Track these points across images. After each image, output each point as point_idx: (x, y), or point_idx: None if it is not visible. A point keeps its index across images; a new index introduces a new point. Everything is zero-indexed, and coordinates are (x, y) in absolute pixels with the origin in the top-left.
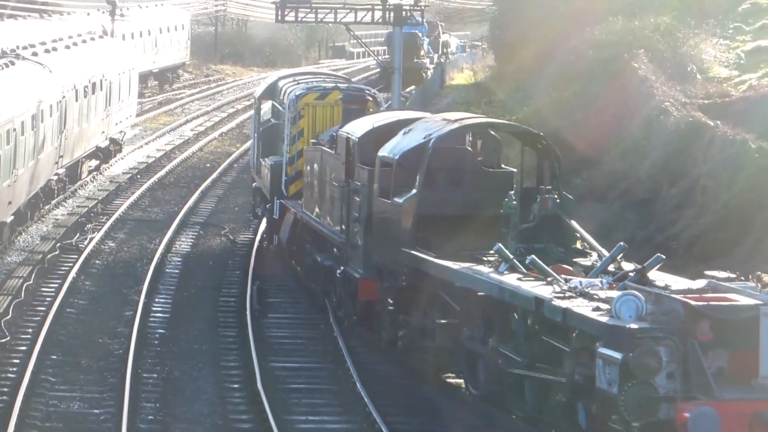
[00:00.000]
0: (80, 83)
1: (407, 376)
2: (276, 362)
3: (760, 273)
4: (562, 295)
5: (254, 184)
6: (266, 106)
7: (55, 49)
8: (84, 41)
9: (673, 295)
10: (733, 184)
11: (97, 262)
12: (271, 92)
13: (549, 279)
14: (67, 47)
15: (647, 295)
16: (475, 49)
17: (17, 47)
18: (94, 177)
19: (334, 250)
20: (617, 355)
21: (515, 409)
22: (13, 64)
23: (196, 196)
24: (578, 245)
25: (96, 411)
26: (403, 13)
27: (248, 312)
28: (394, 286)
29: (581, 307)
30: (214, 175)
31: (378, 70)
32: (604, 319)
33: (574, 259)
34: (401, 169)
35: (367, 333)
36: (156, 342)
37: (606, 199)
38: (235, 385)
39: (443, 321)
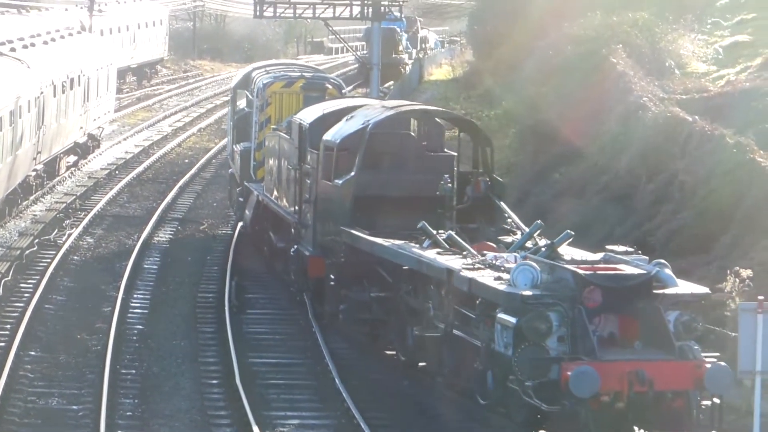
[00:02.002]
0: (58, 79)
1: (387, 372)
2: (254, 358)
3: (738, 268)
4: (471, 267)
5: (230, 170)
6: (241, 96)
7: (33, 44)
8: (62, 37)
9: (565, 266)
10: (711, 179)
11: (76, 258)
12: (245, 82)
13: (465, 253)
14: (45, 43)
15: (543, 265)
16: (454, 45)
17: None
18: (72, 173)
19: (291, 230)
20: (512, 320)
21: (435, 374)
22: None
23: (174, 192)
24: (506, 225)
25: (74, 407)
26: (382, 8)
27: (227, 308)
28: (335, 262)
29: (485, 277)
30: (192, 171)
31: (357, 65)
32: (502, 287)
33: (499, 237)
34: (343, 153)
35: (318, 308)
36: (134, 338)
37: (584, 194)
38: (214, 381)
39: (379, 294)
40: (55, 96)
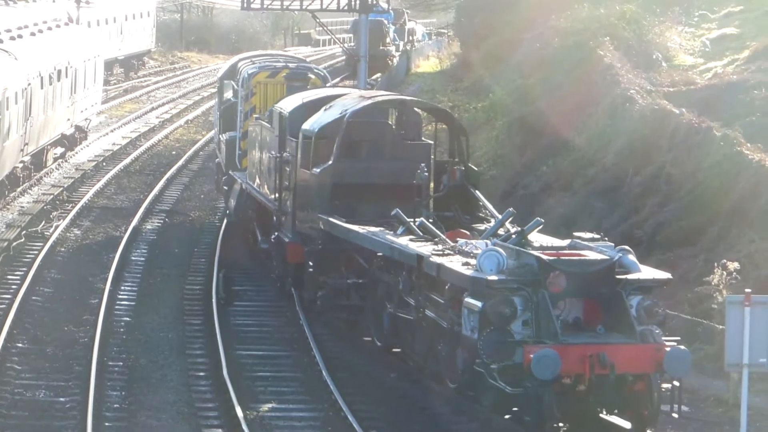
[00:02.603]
0: (46, 70)
1: (374, 364)
2: (242, 350)
3: (725, 261)
4: (440, 252)
5: (217, 160)
6: (228, 86)
7: (20, 36)
8: (49, 28)
9: (530, 251)
10: (698, 172)
11: (63, 249)
12: (232, 73)
13: (436, 240)
14: (33, 34)
15: (509, 251)
16: (441, 37)
17: None
18: (59, 164)
19: (273, 218)
20: (478, 304)
21: (408, 359)
22: None
23: (161, 184)
24: (481, 213)
25: (62, 399)
26: (369, 0)
27: (214, 300)
28: (313, 249)
29: (453, 262)
30: (179, 163)
31: (344, 57)
32: (469, 272)
33: (473, 225)
34: (321, 142)
35: (299, 294)
36: (122, 330)
37: (572, 186)
38: (201, 374)
39: (356, 280)
40: (42, 88)
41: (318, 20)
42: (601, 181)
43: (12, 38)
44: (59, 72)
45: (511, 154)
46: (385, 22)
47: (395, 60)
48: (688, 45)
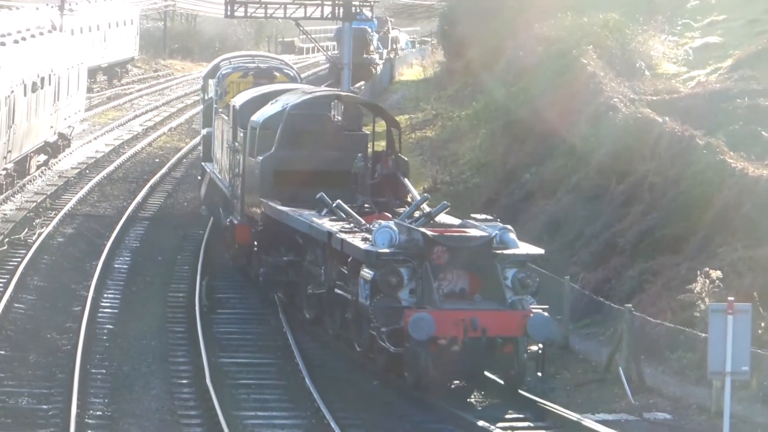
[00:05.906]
0: (29, 78)
1: (357, 372)
2: (225, 358)
3: (708, 269)
4: (348, 230)
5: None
6: (211, 85)
7: (3, 43)
8: (33, 36)
9: (418, 228)
10: (681, 180)
11: (46, 257)
12: (214, 72)
13: (350, 219)
14: (16, 42)
15: (401, 227)
16: (425, 45)
17: None
18: (42, 172)
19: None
20: (370, 274)
21: (328, 328)
22: None
23: (145, 192)
24: (409, 198)
25: (44, 406)
26: (353, 8)
27: (197, 308)
28: (257, 230)
29: (355, 239)
30: (163, 171)
31: (327, 65)
32: (364, 246)
33: (397, 209)
34: (265, 132)
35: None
36: (105, 337)
37: (555, 194)
38: (184, 381)
39: (292, 258)
40: (25, 95)
41: (302, 28)
42: (585, 189)
43: None
44: (42, 79)
45: (495, 162)
46: (369, 30)
47: (379, 68)
48: (671, 54)
